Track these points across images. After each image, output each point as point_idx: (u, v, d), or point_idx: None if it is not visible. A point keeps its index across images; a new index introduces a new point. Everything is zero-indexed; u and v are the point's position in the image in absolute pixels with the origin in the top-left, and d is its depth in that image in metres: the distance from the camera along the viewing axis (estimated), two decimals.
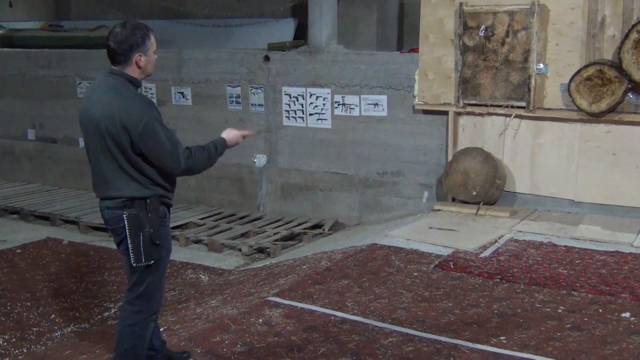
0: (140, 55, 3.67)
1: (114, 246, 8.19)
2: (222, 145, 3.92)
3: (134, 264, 3.71)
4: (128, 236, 3.67)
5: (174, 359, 4.16)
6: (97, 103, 3.66)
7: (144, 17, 11.98)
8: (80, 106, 3.82)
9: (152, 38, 3.73)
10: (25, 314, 6.10)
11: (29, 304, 6.34)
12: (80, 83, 11.17)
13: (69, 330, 5.76)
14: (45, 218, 9.65)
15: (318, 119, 9.11)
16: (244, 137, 4.07)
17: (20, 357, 5.20)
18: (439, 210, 7.82)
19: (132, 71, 3.70)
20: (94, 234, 8.93)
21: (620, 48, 6.77)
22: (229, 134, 4.00)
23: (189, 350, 4.31)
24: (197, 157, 3.76)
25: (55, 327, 5.81)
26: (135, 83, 3.74)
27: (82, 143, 11.20)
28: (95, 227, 9.02)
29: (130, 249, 3.69)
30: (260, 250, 8.11)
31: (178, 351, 4.27)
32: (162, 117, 3.78)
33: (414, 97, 8.29)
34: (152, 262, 3.75)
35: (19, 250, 8.07)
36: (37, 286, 6.82)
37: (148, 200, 3.70)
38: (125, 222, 3.66)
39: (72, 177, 11.38)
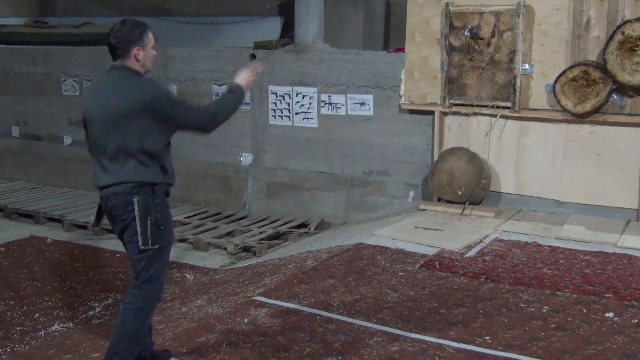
0: (138, 49, 3.90)
1: (98, 245, 8.24)
2: (238, 89, 4.15)
3: (142, 247, 3.85)
4: (137, 220, 3.82)
5: (157, 358, 4.16)
6: (110, 94, 3.84)
7: (129, 14, 11.94)
8: (85, 104, 3.99)
9: (150, 35, 3.97)
10: (8, 312, 6.06)
11: (12, 302, 6.29)
12: (65, 80, 11.10)
13: (53, 329, 5.72)
14: (29, 216, 9.57)
15: (304, 118, 9.10)
16: (254, 74, 4.26)
17: (4, 356, 5.16)
18: (424, 209, 7.83)
19: (132, 64, 3.93)
20: (79, 233, 8.88)
21: (604, 49, 6.82)
22: (241, 77, 4.21)
23: (173, 349, 4.30)
24: (216, 105, 4.07)
25: (39, 326, 5.77)
26: (138, 74, 3.95)
27: (66, 140, 11.22)
28: (80, 226, 8.96)
29: (139, 232, 3.83)
30: (246, 249, 8.09)
31: (161, 350, 4.27)
32: None
33: (400, 96, 8.30)
34: (158, 246, 3.89)
35: (2, 249, 8.00)
36: (21, 285, 6.77)
37: (156, 187, 3.87)
38: (135, 207, 3.80)
39: (57, 175, 11.31)
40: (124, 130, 3.78)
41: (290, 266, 6.30)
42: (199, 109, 3.98)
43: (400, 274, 5.72)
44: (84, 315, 6.03)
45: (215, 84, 9.72)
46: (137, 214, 3.82)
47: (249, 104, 9.49)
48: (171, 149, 4.03)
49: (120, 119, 3.77)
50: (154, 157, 3.86)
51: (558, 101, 7.16)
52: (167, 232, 3.94)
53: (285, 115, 9.24)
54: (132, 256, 3.95)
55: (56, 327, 5.77)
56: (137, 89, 3.83)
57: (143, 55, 3.92)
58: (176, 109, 3.88)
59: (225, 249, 8.05)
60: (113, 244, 8.09)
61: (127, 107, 3.76)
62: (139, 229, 3.82)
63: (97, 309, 6.17)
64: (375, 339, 4.42)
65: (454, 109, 7.89)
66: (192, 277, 7.01)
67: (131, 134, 3.78)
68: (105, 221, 4.13)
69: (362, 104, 8.64)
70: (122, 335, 3.93)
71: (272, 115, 9.34)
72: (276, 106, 9.29)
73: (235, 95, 4.10)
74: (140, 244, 3.84)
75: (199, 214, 9.51)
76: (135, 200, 3.81)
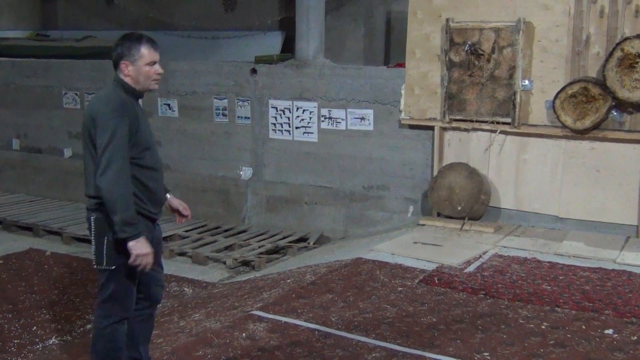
0: (125, 64, 3.75)
1: None
2: (128, 232, 3.61)
3: (94, 266, 3.75)
4: (92, 238, 3.72)
5: None
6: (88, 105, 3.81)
7: (130, 28, 11.96)
8: None
9: (143, 49, 3.78)
10: (6, 325, 6.04)
11: (10, 315, 6.27)
12: (66, 93, 11.12)
13: (51, 342, 5.70)
14: (28, 229, 9.56)
15: (304, 133, 9.12)
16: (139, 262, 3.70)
17: None
18: (424, 224, 7.83)
19: (124, 78, 3.78)
20: (78, 245, 8.86)
21: (604, 66, 6.84)
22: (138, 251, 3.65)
23: None
24: (120, 191, 3.55)
25: (37, 340, 5.75)
26: (126, 88, 3.77)
27: (67, 153, 11.24)
28: (79, 238, 8.94)
29: (92, 251, 3.74)
30: (245, 263, 8.08)
31: None
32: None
33: (400, 111, 8.32)
34: (114, 267, 3.71)
35: (1, 261, 7.98)
36: (19, 297, 6.76)
37: None
38: (92, 224, 3.70)
39: (56, 188, 11.31)
40: (87, 144, 3.72)
41: (289, 281, 6.29)
42: (103, 163, 3.53)
43: (399, 289, 5.71)
44: (82, 329, 6.01)
45: (215, 97, 9.74)
46: (92, 232, 3.71)
47: (249, 118, 9.52)
48: (158, 172, 3.87)
49: (87, 132, 3.69)
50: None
51: (558, 117, 7.18)
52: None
53: (285, 130, 9.26)
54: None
55: (54, 340, 5.75)
56: (95, 102, 3.75)
57: (133, 71, 3.75)
58: (100, 136, 3.57)
59: (224, 263, 8.03)
60: None
61: (89, 121, 3.68)
62: (93, 247, 3.73)
63: None
64: (374, 355, 4.41)
65: (454, 124, 7.90)
66: (191, 291, 6.99)
67: (91, 149, 3.69)
68: None
69: (362, 118, 8.66)
70: (93, 355, 3.88)
71: (272, 130, 9.36)
72: (276, 120, 9.30)
73: (129, 219, 3.57)
74: (93, 262, 3.75)
75: (198, 227, 9.49)
76: (92, 217, 3.71)
